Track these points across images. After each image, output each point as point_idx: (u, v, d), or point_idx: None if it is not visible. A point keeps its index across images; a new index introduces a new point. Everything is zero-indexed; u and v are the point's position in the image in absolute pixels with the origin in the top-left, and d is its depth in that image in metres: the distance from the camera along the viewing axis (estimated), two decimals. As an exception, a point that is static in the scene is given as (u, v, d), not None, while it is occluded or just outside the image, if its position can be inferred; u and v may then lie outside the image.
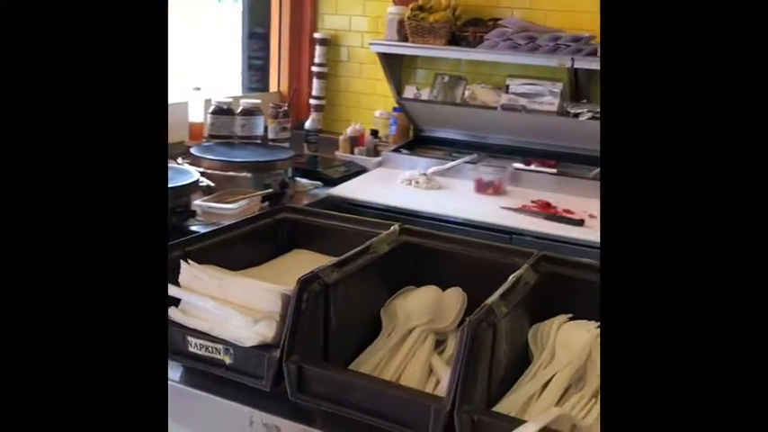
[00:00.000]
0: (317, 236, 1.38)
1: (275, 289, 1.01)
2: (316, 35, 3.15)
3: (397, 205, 2.32)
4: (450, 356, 1.08)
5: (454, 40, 2.75)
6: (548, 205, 2.34)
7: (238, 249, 1.27)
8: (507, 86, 2.77)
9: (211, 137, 2.58)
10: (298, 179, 2.49)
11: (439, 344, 1.12)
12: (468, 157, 2.71)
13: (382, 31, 2.92)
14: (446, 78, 2.94)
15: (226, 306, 1.02)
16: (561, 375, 1.00)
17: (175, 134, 2.49)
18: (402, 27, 2.81)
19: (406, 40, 2.82)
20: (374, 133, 2.96)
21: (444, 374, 1.00)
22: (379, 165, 2.81)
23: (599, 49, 2.47)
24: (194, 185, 1.97)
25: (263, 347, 0.99)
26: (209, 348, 1.02)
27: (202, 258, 1.11)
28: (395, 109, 3.00)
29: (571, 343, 1.05)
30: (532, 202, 2.38)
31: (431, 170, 2.63)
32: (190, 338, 1.03)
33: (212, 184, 2.12)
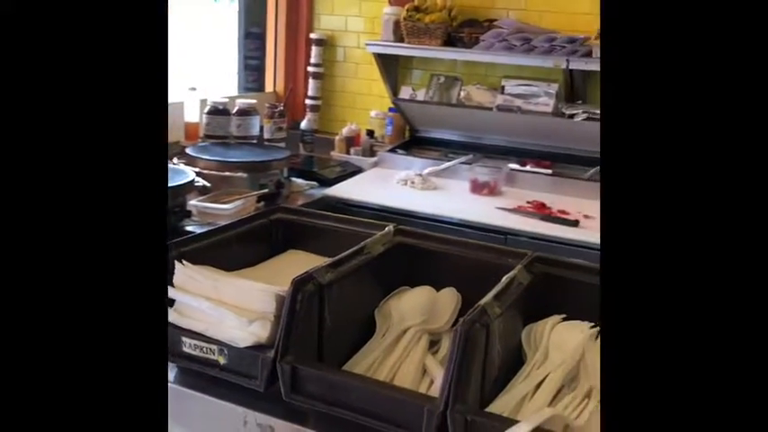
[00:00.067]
0: (312, 236, 1.38)
1: (270, 289, 1.01)
2: (312, 35, 3.15)
3: (392, 205, 2.32)
4: (444, 357, 1.08)
5: (450, 40, 2.76)
6: (543, 206, 2.35)
7: (233, 250, 1.27)
8: (503, 87, 2.77)
9: (207, 137, 2.59)
10: (293, 179, 2.48)
11: (433, 344, 1.12)
12: (463, 158, 2.71)
13: (378, 31, 2.92)
14: (442, 79, 2.94)
15: (220, 307, 1.02)
16: (554, 375, 1.00)
17: (171, 134, 2.49)
18: (398, 28, 2.82)
19: (401, 40, 2.82)
20: (370, 133, 2.96)
21: (438, 375, 1.01)
22: (375, 165, 2.82)
23: (594, 51, 2.48)
24: (190, 186, 1.97)
25: (258, 348, 0.99)
26: (204, 349, 1.02)
27: (197, 259, 1.12)
28: (390, 109, 3.00)
29: (564, 343, 1.06)
30: (528, 202, 2.38)
31: (426, 171, 2.63)
32: (184, 339, 1.03)
33: (208, 185, 2.12)
